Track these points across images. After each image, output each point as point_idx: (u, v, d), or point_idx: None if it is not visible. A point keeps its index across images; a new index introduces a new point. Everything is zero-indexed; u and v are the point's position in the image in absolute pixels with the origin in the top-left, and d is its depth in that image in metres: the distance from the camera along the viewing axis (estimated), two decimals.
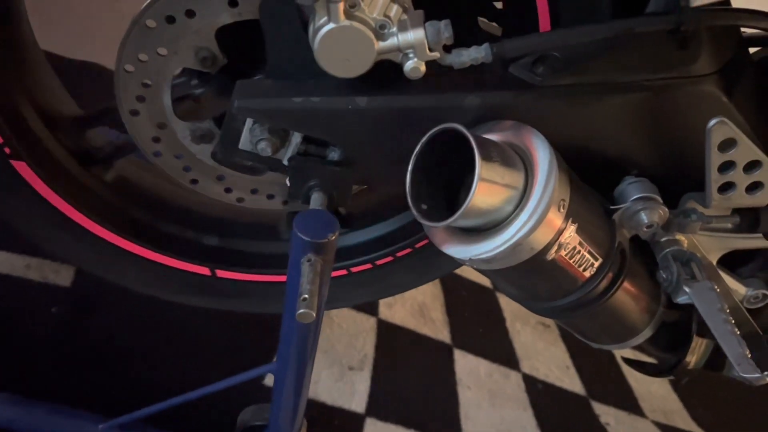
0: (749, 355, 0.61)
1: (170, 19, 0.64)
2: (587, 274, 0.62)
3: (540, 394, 1.28)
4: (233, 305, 0.96)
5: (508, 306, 1.43)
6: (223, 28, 0.66)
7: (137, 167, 0.92)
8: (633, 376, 1.41)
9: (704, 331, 0.72)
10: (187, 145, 0.74)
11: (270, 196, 0.82)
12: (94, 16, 1.30)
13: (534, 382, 1.30)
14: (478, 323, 1.37)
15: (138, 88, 0.69)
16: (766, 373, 0.65)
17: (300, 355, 0.70)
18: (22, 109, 0.77)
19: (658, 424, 1.33)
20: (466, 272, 1.44)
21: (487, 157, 0.53)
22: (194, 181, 0.78)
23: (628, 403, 1.35)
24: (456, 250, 0.59)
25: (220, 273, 0.91)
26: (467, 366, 1.26)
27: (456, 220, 0.53)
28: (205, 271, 0.90)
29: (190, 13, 0.64)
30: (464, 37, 0.67)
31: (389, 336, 1.24)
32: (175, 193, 0.93)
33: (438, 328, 1.31)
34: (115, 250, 0.86)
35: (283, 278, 0.89)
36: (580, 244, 0.59)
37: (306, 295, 0.54)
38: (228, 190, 0.80)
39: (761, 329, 0.75)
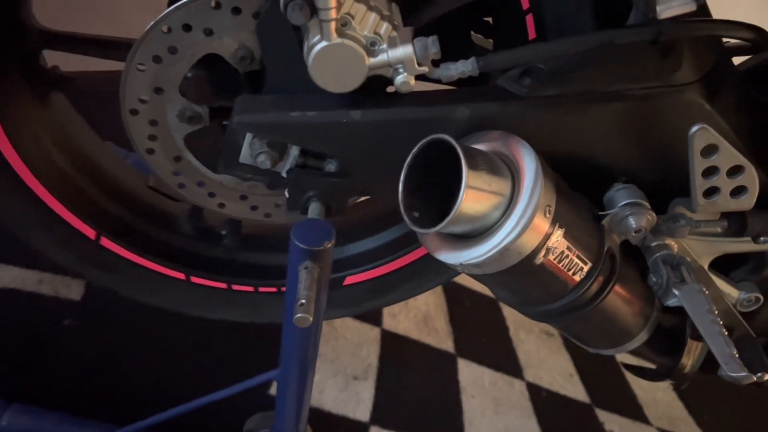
0: (736, 355, 0.62)
1: (236, 11, 0.66)
2: (577, 278, 0.64)
3: (544, 402, 1.28)
4: (108, 281, 0.93)
5: (511, 315, 1.44)
6: None
7: (71, 114, 0.91)
8: (637, 384, 1.41)
9: (699, 335, 0.73)
10: (168, 118, 0.74)
11: (211, 194, 0.82)
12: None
13: (538, 390, 1.31)
14: (481, 332, 1.38)
15: (162, 49, 0.68)
16: (759, 373, 0.66)
17: (301, 360, 0.72)
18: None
19: None
20: (469, 282, 1.45)
21: (473, 166, 0.55)
22: (151, 151, 0.77)
23: (633, 410, 1.35)
24: (447, 256, 0.62)
25: (105, 242, 0.88)
26: (471, 375, 1.27)
27: (445, 226, 0.55)
28: (90, 233, 0.87)
29: (256, 15, 0.66)
30: (458, 51, 0.69)
31: (393, 346, 1.25)
32: (97, 152, 0.93)
33: (442, 338, 1.32)
34: (13, 177, 0.81)
35: (167, 271, 0.92)
36: (568, 248, 0.61)
37: (303, 300, 0.56)
38: (176, 174, 0.80)
39: (756, 332, 0.77)
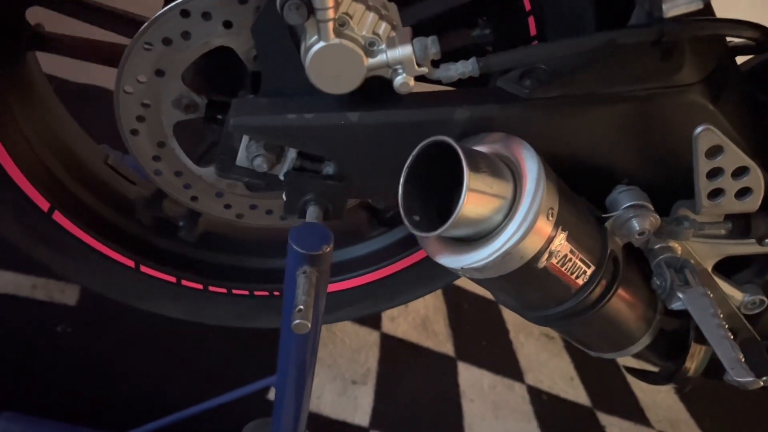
0: (743, 359, 0.61)
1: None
2: (580, 281, 0.63)
3: (544, 405, 1.28)
4: (52, 259, 0.88)
5: (511, 318, 1.44)
6: None
7: (41, 77, 0.87)
8: (639, 387, 1.40)
9: (703, 338, 0.72)
10: (162, 103, 0.72)
11: (187, 186, 0.80)
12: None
13: (538, 393, 1.30)
14: (481, 335, 1.37)
15: (175, 32, 0.66)
16: (765, 377, 0.65)
17: (299, 366, 0.71)
18: None
19: None
20: (468, 285, 1.44)
21: (475, 168, 0.54)
22: (135, 132, 0.74)
23: (634, 413, 1.34)
24: (448, 260, 0.60)
25: (58, 216, 0.84)
26: (471, 378, 1.26)
27: (446, 229, 0.54)
28: (44, 205, 0.82)
29: None
30: (458, 51, 0.68)
31: (392, 349, 1.25)
32: (61, 120, 0.89)
33: (441, 341, 1.31)
34: None
35: (117, 257, 0.88)
36: (571, 251, 0.60)
37: (301, 306, 0.55)
38: (156, 159, 0.77)
39: (760, 335, 0.76)
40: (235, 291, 0.94)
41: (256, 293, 0.94)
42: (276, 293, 0.94)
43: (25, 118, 0.81)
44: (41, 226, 0.84)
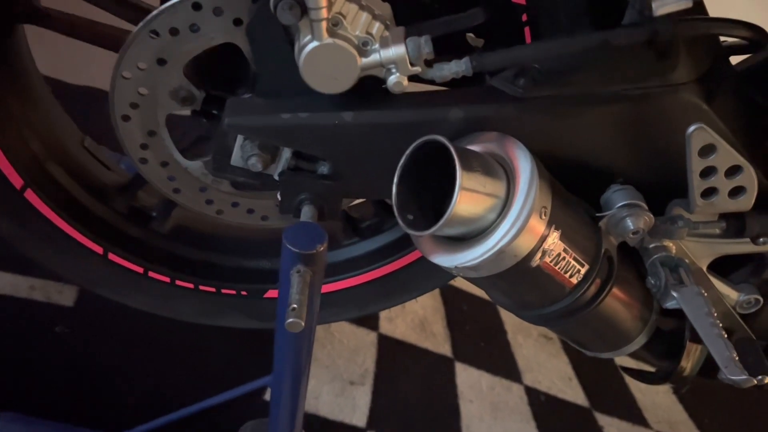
0: (736, 358, 0.61)
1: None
2: (574, 280, 0.63)
3: (543, 406, 1.28)
4: (19, 238, 0.86)
5: (509, 319, 1.44)
6: None
7: (27, 52, 0.85)
8: (637, 387, 1.40)
9: (698, 337, 0.72)
10: (159, 92, 0.72)
11: (171, 178, 0.80)
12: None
13: (536, 394, 1.30)
14: (479, 336, 1.37)
15: (184, 24, 0.67)
16: (760, 376, 0.65)
17: (294, 366, 0.71)
18: None
19: None
20: (466, 286, 1.44)
21: (468, 167, 0.54)
22: (126, 118, 0.74)
23: (633, 414, 1.34)
24: (442, 258, 0.61)
25: (30, 194, 0.82)
26: (469, 379, 1.26)
27: (440, 228, 0.54)
28: (17, 182, 0.81)
29: None
30: (453, 52, 0.68)
31: (390, 350, 1.25)
32: (43, 98, 0.87)
33: (439, 342, 1.31)
34: None
35: (86, 241, 0.86)
36: (565, 250, 0.60)
37: (295, 305, 0.55)
38: (144, 147, 0.76)
39: (755, 334, 0.76)
40: (202, 287, 0.93)
41: (223, 291, 0.94)
42: (243, 293, 0.94)
43: (8, 91, 0.80)
44: (12, 202, 0.82)
